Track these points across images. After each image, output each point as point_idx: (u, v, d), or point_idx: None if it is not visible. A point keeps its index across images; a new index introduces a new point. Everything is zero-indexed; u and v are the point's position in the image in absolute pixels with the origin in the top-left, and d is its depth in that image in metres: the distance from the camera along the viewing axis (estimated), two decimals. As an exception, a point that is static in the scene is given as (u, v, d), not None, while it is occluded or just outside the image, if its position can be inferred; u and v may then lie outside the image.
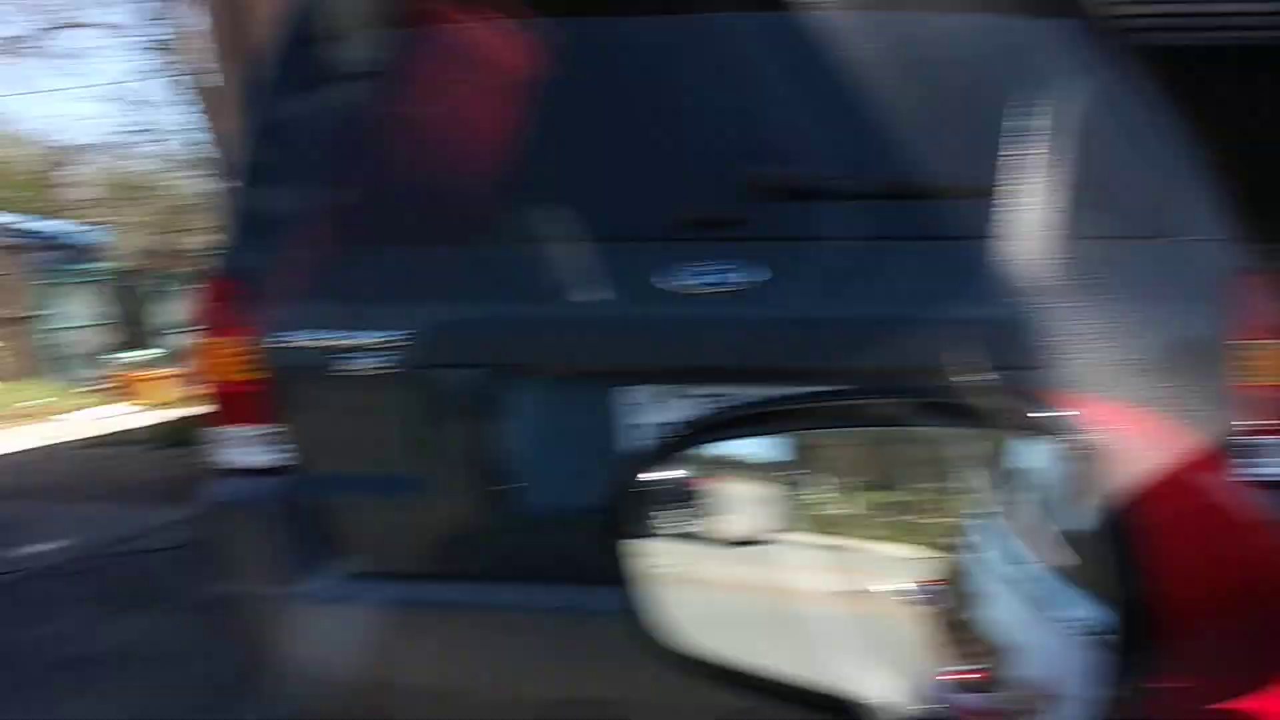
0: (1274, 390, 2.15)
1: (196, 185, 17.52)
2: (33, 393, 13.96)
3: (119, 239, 19.97)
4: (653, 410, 2.24)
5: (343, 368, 2.29)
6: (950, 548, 0.95)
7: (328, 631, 2.27)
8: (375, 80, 2.41)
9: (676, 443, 0.99)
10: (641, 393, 2.24)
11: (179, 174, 20.62)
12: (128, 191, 22.64)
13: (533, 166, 2.27)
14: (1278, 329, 2.16)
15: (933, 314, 2.12)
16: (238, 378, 2.36)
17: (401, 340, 2.28)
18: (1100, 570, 0.88)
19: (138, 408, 12.83)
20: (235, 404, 2.38)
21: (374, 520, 2.34)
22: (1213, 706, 0.99)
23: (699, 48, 2.29)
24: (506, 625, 2.28)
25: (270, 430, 2.36)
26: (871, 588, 0.95)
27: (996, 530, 0.95)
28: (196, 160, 15.28)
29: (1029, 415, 0.92)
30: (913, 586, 0.94)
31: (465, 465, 2.29)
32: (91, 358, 16.20)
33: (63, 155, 23.08)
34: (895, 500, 0.96)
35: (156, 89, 21.36)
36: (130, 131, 26.72)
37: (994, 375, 0.91)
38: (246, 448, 2.38)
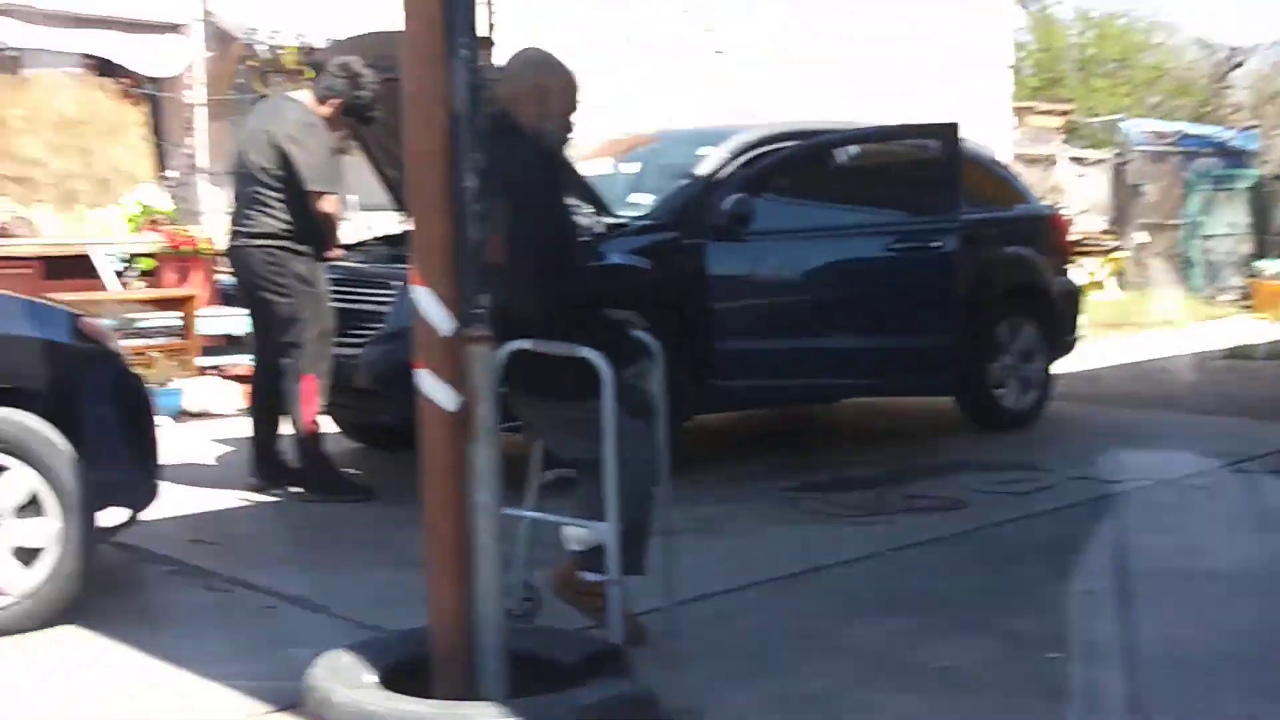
0: None
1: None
2: (1160, 301, 14.13)
3: (1266, 145, 20.01)
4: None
5: None
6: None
7: None
8: None
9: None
10: None
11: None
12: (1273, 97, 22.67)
13: None
14: None
15: None
16: None
17: None
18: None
19: (1262, 320, 12.97)
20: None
21: None
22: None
23: None
24: None
25: None
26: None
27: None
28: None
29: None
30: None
31: None
32: (1227, 268, 16.64)
33: (1225, 59, 24.01)
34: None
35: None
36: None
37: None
38: None
